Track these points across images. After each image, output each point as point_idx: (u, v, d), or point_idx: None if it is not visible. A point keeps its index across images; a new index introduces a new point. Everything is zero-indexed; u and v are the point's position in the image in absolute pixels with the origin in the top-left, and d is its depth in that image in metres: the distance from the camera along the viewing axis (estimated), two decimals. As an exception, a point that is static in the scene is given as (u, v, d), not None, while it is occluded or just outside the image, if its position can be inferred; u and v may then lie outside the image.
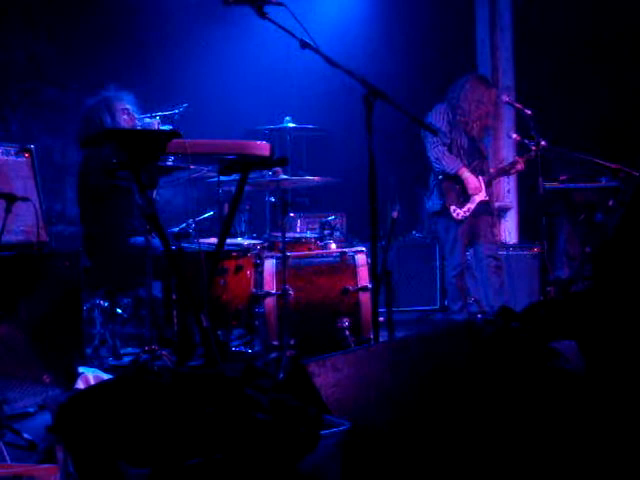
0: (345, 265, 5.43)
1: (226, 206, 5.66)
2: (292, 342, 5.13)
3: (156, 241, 4.75)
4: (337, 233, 6.68)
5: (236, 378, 2.56)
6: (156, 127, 4.81)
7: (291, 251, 5.47)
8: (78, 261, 4.51)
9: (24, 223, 4.37)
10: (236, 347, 6.11)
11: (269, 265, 5.37)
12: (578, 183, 7.08)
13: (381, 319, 4.48)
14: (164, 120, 6.05)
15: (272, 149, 4.06)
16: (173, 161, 4.09)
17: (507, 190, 8.72)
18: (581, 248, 7.09)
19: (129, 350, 5.87)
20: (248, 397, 2.45)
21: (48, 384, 4.25)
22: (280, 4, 3.87)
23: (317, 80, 7.26)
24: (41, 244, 4.40)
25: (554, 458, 2.76)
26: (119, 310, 6.19)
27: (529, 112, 5.98)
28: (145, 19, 7.72)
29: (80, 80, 7.17)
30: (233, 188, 4.69)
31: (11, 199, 4.12)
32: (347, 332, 5.22)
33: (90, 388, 2.85)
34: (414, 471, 2.68)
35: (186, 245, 5.32)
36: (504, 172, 6.88)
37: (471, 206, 6.37)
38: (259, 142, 4.03)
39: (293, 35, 3.80)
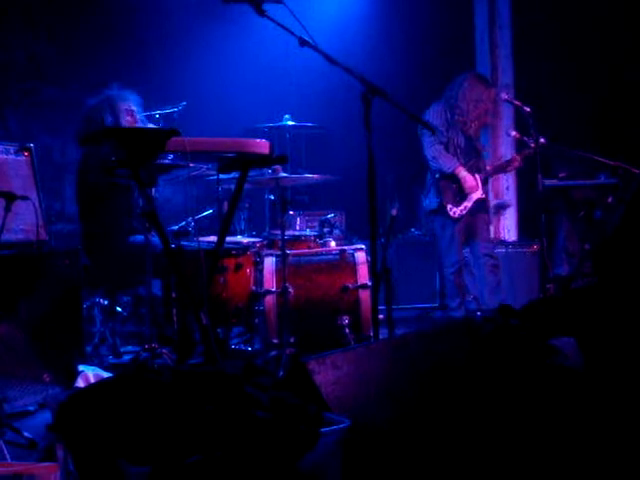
0: (345, 263, 5.43)
1: (225, 204, 5.66)
2: (292, 340, 5.13)
3: (156, 239, 4.75)
4: (336, 231, 6.69)
5: (236, 376, 2.57)
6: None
7: (291, 249, 5.47)
8: (78, 259, 4.51)
9: (24, 222, 4.37)
10: (236, 345, 6.11)
11: (269, 263, 5.37)
12: (577, 180, 7.08)
13: (381, 317, 4.47)
14: (164, 118, 6.07)
15: (271, 147, 4.06)
16: (172, 159, 4.09)
17: (506, 187, 8.71)
18: (580, 245, 7.09)
19: (129, 348, 5.87)
20: (248, 395, 2.45)
21: (48, 382, 4.26)
22: (279, 2, 3.87)
23: (316, 78, 7.26)
24: (41, 243, 4.40)
25: (553, 455, 2.77)
26: (119, 308, 6.20)
27: (528, 109, 5.98)
28: (145, 18, 7.73)
29: (80, 80, 7.17)
30: (232, 186, 4.70)
31: (11, 198, 4.11)
32: (347, 330, 5.22)
33: (90, 386, 2.86)
34: (414, 468, 2.68)
35: (186, 243, 5.33)
36: (501, 169, 6.89)
37: (468, 204, 6.37)
38: (258, 140, 4.03)
39: (292, 33, 3.81)
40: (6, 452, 3.31)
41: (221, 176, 4.64)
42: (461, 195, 6.37)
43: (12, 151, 4.50)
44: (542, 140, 5.93)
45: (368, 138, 3.83)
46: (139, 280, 5.40)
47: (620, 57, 7.93)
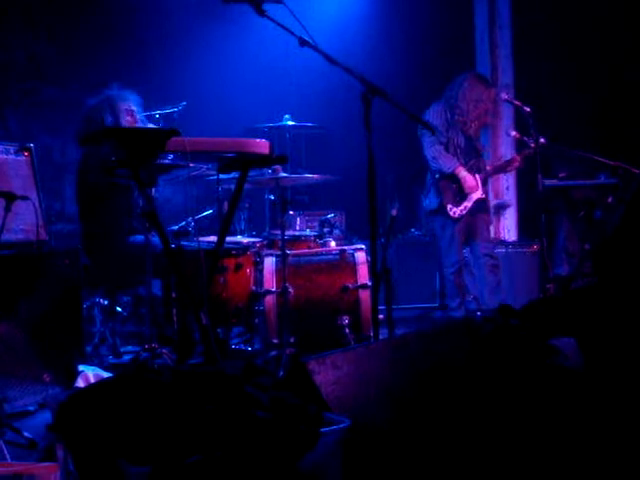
0: (345, 263, 5.43)
1: (225, 204, 5.66)
2: (292, 340, 5.13)
3: (156, 239, 4.75)
4: (336, 231, 6.69)
5: (236, 376, 2.57)
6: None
7: (291, 249, 5.47)
8: (78, 259, 4.51)
9: (24, 222, 4.37)
10: (236, 345, 6.11)
11: (269, 263, 5.37)
12: (577, 180, 7.08)
13: (381, 317, 4.47)
14: (164, 118, 6.07)
15: (271, 147, 4.06)
16: (172, 159, 4.09)
17: (506, 187, 8.72)
18: (580, 245, 7.09)
19: (129, 348, 5.87)
20: (248, 395, 2.45)
21: (48, 382, 4.26)
22: (279, 2, 3.87)
23: (316, 78, 7.26)
24: (41, 243, 4.40)
25: (553, 455, 2.77)
26: (119, 308, 6.20)
27: (528, 109, 5.98)
28: (145, 18, 7.73)
29: (80, 80, 7.17)
30: (232, 186, 4.70)
31: (10, 198, 4.11)
32: (347, 330, 5.22)
33: (90, 386, 2.86)
34: (414, 468, 2.69)
35: (186, 243, 5.33)
36: (501, 169, 6.90)
37: (468, 204, 6.38)
38: (258, 140, 4.03)
39: (292, 33, 3.81)
40: (6, 452, 3.31)
41: (221, 176, 4.64)
42: (461, 195, 6.37)
43: (12, 151, 4.50)
44: (542, 140, 5.93)
45: (368, 138, 3.83)
46: (139, 280, 5.40)
47: (620, 57, 7.93)
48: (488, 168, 6.64)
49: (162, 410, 2.34)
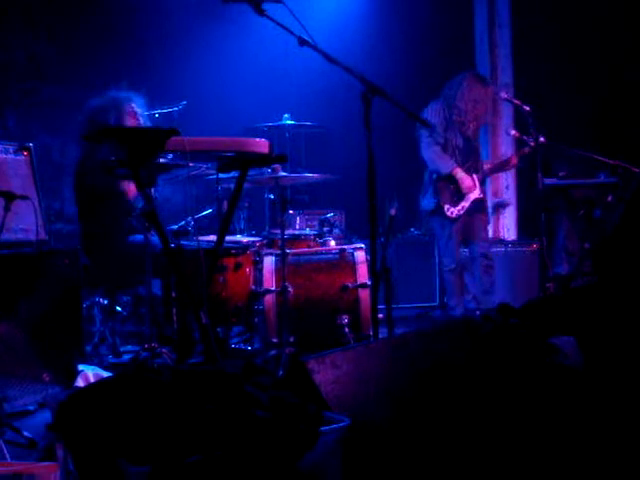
0: (344, 262, 5.43)
1: (225, 203, 5.66)
2: (291, 339, 5.13)
3: (155, 239, 4.75)
4: (336, 230, 6.70)
5: (236, 375, 2.57)
6: None
7: (290, 248, 5.48)
8: (77, 259, 4.51)
9: (23, 221, 4.36)
10: (235, 344, 6.12)
11: (268, 262, 5.37)
12: (577, 179, 7.08)
13: (380, 316, 4.48)
14: (164, 118, 6.07)
15: (271, 146, 4.05)
16: (172, 159, 4.09)
17: (506, 186, 8.72)
18: (580, 244, 7.09)
19: (129, 348, 5.87)
20: (248, 394, 2.45)
21: (48, 382, 4.26)
22: (278, 1, 3.87)
23: (316, 77, 7.26)
24: (40, 242, 4.39)
25: (553, 453, 2.77)
26: (119, 308, 6.20)
27: (528, 108, 5.98)
28: (145, 18, 7.72)
29: (80, 80, 7.17)
30: (232, 185, 4.70)
31: (10, 197, 4.11)
32: (346, 329, 5.23)
33: (90, 386, 2.85)
34: (414, 467, 2.69)
35: (185, 243, 5.33)
36: (499, 169, 6.92)
37: (465, 204, 6.39)
38: (258, 139, 4.03)
39: (291, 32, 3.81)
40: (6, 451, 3.31)
41: (221, 175, 4.64)
42: (458, 195, 6.39)
43: (11, 150, 4.49)
44: (542, 139, 5.93)
45: (368, 137, 3.83)
46: (139, 280, 5.40)
47: (620, 57, 7.94)
48: (486, 168, 6.65)
49: (162, 410, 2.34)
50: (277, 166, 5.10)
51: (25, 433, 3.60)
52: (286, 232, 5.40)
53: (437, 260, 7.49)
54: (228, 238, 5.37)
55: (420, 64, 8.34)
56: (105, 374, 4.49)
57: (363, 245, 5.54)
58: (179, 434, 2.27)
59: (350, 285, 5.30)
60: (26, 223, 4.37)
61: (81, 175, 5.35)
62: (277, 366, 4.91)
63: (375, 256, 4.02)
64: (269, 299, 5.27)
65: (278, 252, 5.32)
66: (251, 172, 4.50)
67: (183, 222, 5.71)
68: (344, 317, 5.25)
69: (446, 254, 6.51)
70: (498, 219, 8.69)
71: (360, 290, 5.30)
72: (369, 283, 5.26)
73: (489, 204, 8.24)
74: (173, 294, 5.12)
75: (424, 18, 8.48)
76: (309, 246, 5.91)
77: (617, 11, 7.84)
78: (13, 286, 4.13)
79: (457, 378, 2.97)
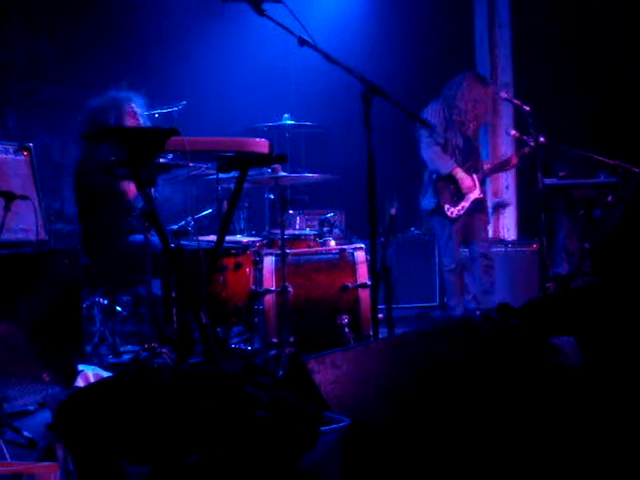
0: (344, 262, 5.43)
1: (225, 203, 5.66)
2: (291, 339, 5.13)
3: (155, 239, 4.75)
4: (336, 230, 6.70)
5: (236, 375, 2.57)
6: None
7: (290, 248, 5.47)
8: (77, 259, 4.51)
9: (23, 221, 4.36)
10: (235, 344, 6.12)
11: (268, 262, 5.37)
12: (577, 179, 7.08)
13: (380, 316, 4.48)
14: (163, 117, 6.07)
15: (271, 146, 4.05)
16: (172, 159, 4.09)
17: (506, 186, 8.72)
18: (580, 244, 7.10)
19: (129, 348, 5.87)
20: (248, 394, 2.45)
21: (48, 382, 4.26)
22: (278, 1, 3.87)
23: (316, 77, 7.26)
24: (40, 242, 4.39)
25: (553, 453, 2.77)
26: (119, 308, 6.20)
27: (528, 108, 5.98)
28: (144, 18, 7.72)
29: (80, 80, 7.17)
30: (232, 185, 4.70)
31: (10, 197, 4.11)
32: (346, 329, 5.23)
33: (90, 386, 2.85)
34: (414, 467, 2.69)
35: (185, 243, 5.33)
36: (499, 169, 6.92)
37: (465, 204, 6.39)
38: (258, 139, 4.02)
39: (291, 32, 3.80)
40: (6, 451, 3.31)
41: (221, 175, 4.63)
42: (458, 195, 6.39)
43: (11, 150, 4.49)
44: (542, 139, 5.93)
45: (368, 137, 3.83)
46: (139, 280, 5.41)
47: (620, 57, 7.93)
48: (486, 168, 6.65)
49: (162, 409, 2.34)
50: (277, 166, 5.10)
51: (25, 433, 3.60)
52: (286, 232, 5.40)
53: (437, 260, 7.49)
54: (228, 238, 5.37)
55: (420, 64, 8.34)
56: (105, 374, 4.49)
57: (363, 245, 5.54)
58: (179, 434, 2.27)
59: (350, 285, 5.30)
60: (26, 223, 4.37)
61: (81, 175, 5.36)
62: (277, 366, 4.91)
63: (375, 256, 4.02)
64: (269, 299, 5.27)
65: (278, 252, 5.32)
66: (251, 172, 4.50)
67: (183, 222, 5.71)
68: (344, 317, 5.25)
69: (446, 254, 6.52)
70: (498, 219, 8.69)
71: (360, 290, 5.30)
72: (369, 283, 5.26)
73: (489, 204, 8.25)
74: (173, 294, 5.12)
75: (424, 18, 8.47)
76: (309, 246, 5.91)
77: (617, 11, 7.84)
78: (13, 286, 4.13)
79: (457, 378, 2.97)
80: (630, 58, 7.89)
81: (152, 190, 4.70)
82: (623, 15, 7.88)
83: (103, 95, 5.45)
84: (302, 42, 3.81)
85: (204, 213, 6.28)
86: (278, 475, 2.28)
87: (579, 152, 6.35)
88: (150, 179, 4.30)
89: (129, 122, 5.35)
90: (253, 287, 5.53)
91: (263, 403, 2.43)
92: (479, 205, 6.49)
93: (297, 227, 6.81)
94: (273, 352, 5.10)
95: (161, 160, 4.07)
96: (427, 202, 6.56)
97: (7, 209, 4.09)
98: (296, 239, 5.96)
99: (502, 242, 7.58)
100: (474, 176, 6.42)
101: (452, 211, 6.37)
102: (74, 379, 4.36)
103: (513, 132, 6.69)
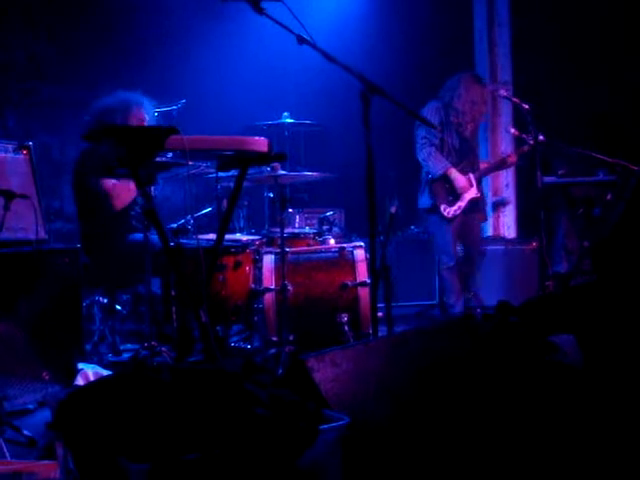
0: (344, 260, 5.44)
1: (225, 202, 5.66)
2: (291, 338, 5.14)
3: (155, 237, 4.75)
4: (336, 228, 6.69)
5: (235, 374, 2.57)
6: None
7: (290, 247, 5.48)
8: (77, 258, 4.51)
9: (23, 220, 4.36)
10: (235, 343, 6.12)
11: (268, 261, 5.37)
12: (576, 177, 7.08)
13: (380, 314, 4.48)
14: (163, 116, 6.07)
15: (270, 145, 4.05)
16: (171, 157, 4.09)
17: (505, 184, 8.73)
18: (579, 242, 7.10)
19: (128, 346, 5.87)
20: (247, 392, 2.45)
21: (48, 381, 4.26)
22: (277, 0, 3.87)
23: (315, 76, 7.25)
24: (40, 241, 4.39)
25: (552, 451, 2.77)
26: (118, 306, 6.21)
27: (527, 107, 5.98)
28: (144, 17, 7.72)
29: (80, 79, 7.17)
30: (231, 184, 4.70)
31: (9, 196, 4.12)
32: (346, 327, 5.23)
33: (89, 384, 2.86)
34: (413, 465, 2.69)
35: (185, 241, 5.33)
36: (497, 168, 6.93)
37: (462, 204, 6.41)
38: (257, 138, 4.02)
39: (291, 31, 3.80)
40: (6, 450, 3.31)
41: (220, 174, 4.63)
42: (454, 195, 6.41)
43: (11, 149, 4.48)
44: (541, 137, 5.93)
45: (367, 136, 3.83)
46: (138, 278, 5.41)
47: (620, 56, 7.93)
48: (482, 167, 6.66)
49: (161, 408, 2.34)
50: (276, 164, 5.10)
51: (25, 432, 3.61)
52: (285, 230, 5.40)
53: (437, 258, 7.49)
54: (228, 237, 5.38)
55: (419, 63, 8.34)
56: (105, 372, 4.50)
57: (362, 243, 5.55)
58: (179, 432, 2.27)
59: (350, 283, 5.30)
60: (25, 222, 4.37)
61: (80, 175, 5.35)
62: (277, 364, 4.92)
63: (375, 254, 4.02)
64: (269, 297, 5.27)
65: (278, 250, 5.32)
66: (250, 171, 4.50)
67: (183, 221, 5.71)
68: (344, 315, 5.25)
69: (444, 252, 6.54)
70: (498, 217, 8.70)
71: (360, 288, 5.30)
72: (368, 281, 5.26)
73: (489, 202, 8.26)
74: (173, 293, 5.13)
75: (423, 17, 8.47)
76: (308, 244, 5.91)
77: (617, 11, 7.84)
78: (13, 285, 4.13)
79: (456, 376, 2.98)
80: (630, 57, 7.89)
81: (152, 189, 4.71)
82: (623, 14, 7.88)
83: (113, 95, 5.44)
84: (301, 41, 3.81)
85: (204, 212, 6.29)
86: (278, 473, 2.28)
87: (578, 150, 6.35)
88: (149, 178, 4.30)
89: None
90: (253, 285, 5.53)
91: (263, 401, 2.43)
92: (476, 204, 6.51)
93: (296, 225, 6.80)
94: (273, 350, 5.10)
95: (161, 159, 4.07)
96: (424, 201, 6.58)
97: (6, 208, 4.09)
98: (295, 237, 5.96)
99: (502, 240, 7.59)
100: (470, 175, 6.43)
101: (449, 211, 6.39)
102: (74, 378, 4.36)
103: (512, 130, 6.69)
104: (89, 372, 4.44)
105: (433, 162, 6.39)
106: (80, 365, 4.46)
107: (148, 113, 5.47)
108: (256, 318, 5.62)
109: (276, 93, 7.99)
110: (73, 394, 2.47)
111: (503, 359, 3.11)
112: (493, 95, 6.67)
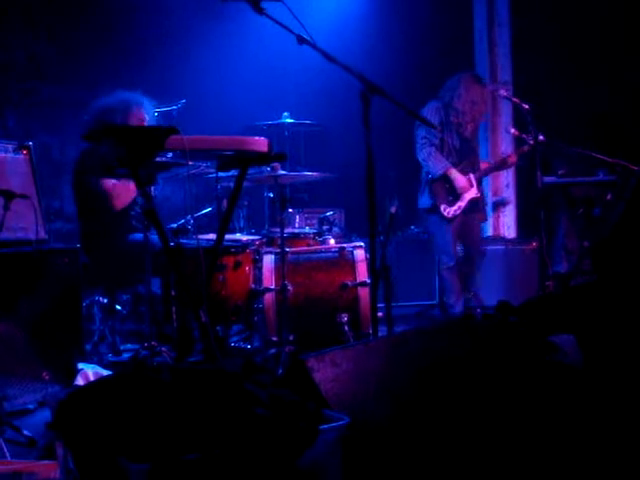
0: (344, 260, 5.44)
1: (225, 202, 5.66)
2: (291, 338, 5.14)
3: (155, 237, 4.75)
4: (336, 228, 6.69)
5: (235, 374, 2.57)
6: None
7: (290, 247, 5.48)
8: (77, 258, 4.51)
9: (23, 220, 4.35)
10: (235, 343, 6.12)
11: (268, 261, 5.38)
12: (576, 177, 7.08)
13: (380, 314, 4.48)
14: (163, 116, 6.07)
15: (270, 145, 4.05)
16: (171, 157, 4.09)
17: (506, 184, 8.73)
18: (579, 242, 7.10)
19: (128, 346, 5.87)
20: (247, 392, 2.45)
21: (48, 381, 4.26)
22: (277, 0, 3.87)
23: (315, 76, 7.25)
24: (40, 241, 4.39)
25: (552, 452, 2.77)
26: (118, 306, 6.20)
27: (527, 107, 5.98)
28: (144, 17, 7.72)
29: (80, 79, 7.17)
30: (231, 184, 4.70)
31: (9, 196, 4.11)
32: (346, 327, 5.23)
33: (89, 384, 2.86)
34: (413, 465, 2.69)
35: (185, 241, 5.33)
36: (497, 168, 6.93)
37: (462, 204, 6.41)
38: (257, 138, 4.02)
39: (291, 31, 3.80)
40: (6, 450, 3.31)
41: (220, 174, 4.63)
42: (454, 195, 6.41)
43: (11, 149, 4.48)
44: (541, 137, 5.93)
45: (367, 136, 3.83)
46: (138, 278, 5.41)
47: (620, 56, 7.93)
48: (483, 167, 6.66)
49: (161, 408, 2.34)
50: (276, 164, 5.10)
51: (25, 432, 3.61)
52: (285, 230, 5.40)
53: (437, 258, 7.49)
54: (228, 237, 5.38)
55: (419, 63, 8.34)
56: (105, 372, 4.50)
57: (362, 243, 5.55)
58: (179, 432, 2.27)
59: (350, 283, 5.30)
60: (25, 222, 4.37)
61: (80, 174, 5.35)
62: (277, 364, 4.92)
63: (375, 254, 4.02)
64: (269, 297, 5.27)
65: (278, 250, 5.32)
66: (250, 171, 4.50)
67: (183, 221, 5.71)
68: (344, 315, 5.25)
69: (444, 252, 6.54)
70: (498, 217, 8.70)
71: (360, 288, 5.30)
72: (368, 281, 5.26)
73: (489, 202, 8.26)
74: (173, 293, 5.13)
75: (423, 17, 8.47)
76: (308, 244, 5.91)
77: (617, 11, 7.84)
78: (13, 285, 4.13)
79: (456, 376, 2.98)
80: (630, 57, 7.89)
81: (152, 189, 4.71)
82: (623, 14, 7.88)
83: (113, 95, 5.44)
84: (301, 40, 3.81)
85: (204, 212, 6.29)
86: (278, 473, 2.28)
87: (578, 150, 6.35)
88: (149, 178, 4.30)
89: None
90: (253, 285, 5.53)
91: (263, 401, 2.43)
92: (476, 204, 6.51)
93: (296, 225, 6.80)
94: (273, 350, 5.10)
95: (161, 159, 4.07)
96: (424, 201, 6.58)
97: (6, 208, 4.09)
98: (295, 237, 5.96)
99: (502, 240, 7.59)
100: (470, 175, 6.44)
101: (449, 211, 6.39)
102: (74, 378, 4.36)
103: (512, 130, 6.69)
104: (89, 372, 4.44)
105: (433, 162, 6.40)
106: (80, 365, 4.46)
107: (148, 113, 5.48)
108: (256, 318, 5.62)
109: (276, 93, 7.99)
110: (73, 394, 2.47)
111: (503, 359, 3.11)
112: (493, 95, 6.66)
